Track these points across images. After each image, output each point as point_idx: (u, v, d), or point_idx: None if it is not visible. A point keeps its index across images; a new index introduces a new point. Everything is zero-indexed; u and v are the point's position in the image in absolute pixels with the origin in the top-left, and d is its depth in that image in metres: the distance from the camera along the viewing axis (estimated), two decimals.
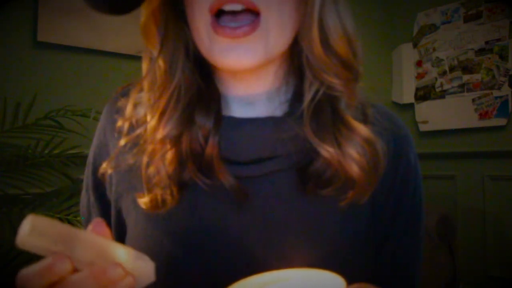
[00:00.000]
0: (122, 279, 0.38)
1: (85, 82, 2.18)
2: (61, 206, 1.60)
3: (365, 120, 0.58)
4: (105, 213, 0.64)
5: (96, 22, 2.18)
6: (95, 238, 0.40)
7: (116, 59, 2.25)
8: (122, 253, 0.40)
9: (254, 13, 0.52)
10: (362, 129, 0.56)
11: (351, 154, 0.55)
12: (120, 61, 2.25)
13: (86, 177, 0.66)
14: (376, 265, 0.61)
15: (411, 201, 0.62)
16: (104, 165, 0.59)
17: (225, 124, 0.56)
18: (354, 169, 0.55)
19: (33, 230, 0.35)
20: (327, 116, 0.56)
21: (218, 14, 0.53)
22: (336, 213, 0.57)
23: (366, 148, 0.56)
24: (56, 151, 1.76)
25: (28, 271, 0.38)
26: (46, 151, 1.75)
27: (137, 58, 0.72)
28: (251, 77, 0.59)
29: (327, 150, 0.54)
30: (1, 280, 1.50)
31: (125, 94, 0.63)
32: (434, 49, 3.29)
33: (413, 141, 0.65)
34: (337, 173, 0.55)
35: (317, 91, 0.57)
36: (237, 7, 0.51)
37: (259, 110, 0.59)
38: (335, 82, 0.56)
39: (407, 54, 3.43)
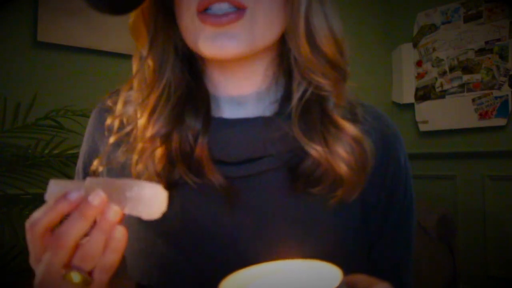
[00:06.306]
0: (103, 205, 0.41)
1: (85, 82, 2.19)
2: None
3: (353, 119, 0.59)
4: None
5: (96, 22, 2.19)
6: (109, 180, 0.43)
7: (116, 59, 2.26)
8: (129, 185, 0.43)
9: (241, 10, 0.52)
10: (350, 128, 0.57)
11: (339, 152, 0.55)
12: (120, 61, 2.25)
13: None
14: (367, 263, 0.62)
15: (402, 200, 0.63)
16: (95, 162, 0.60)
17: (214, 124, 0.57)
18: (342, 168, 0.55)
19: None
20: (316, 115, 0.57)
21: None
22: (327, 211, 0.58)
23: (354, 146, 0.56)
24: (56, 151, 1.77)
25: (40, 209, 0.42)
26: (46, 151, 1.75)
27: None
28: (240, 76, 0.59)
29: (315, 149, 0.55)
30: (1, 280, 1.50)
31: (114, 96, 0.63)
32: (434, 49, 3.29)
33: (403, 140, 0.65)
34: (327, 171, 0.55)
35: (305, 91, 0.57)
36: (224, 6, 0.52)
37: (249, 110, 0.60)
38: (323, 82, 0.56)
39: (407, 54, 3.43)
